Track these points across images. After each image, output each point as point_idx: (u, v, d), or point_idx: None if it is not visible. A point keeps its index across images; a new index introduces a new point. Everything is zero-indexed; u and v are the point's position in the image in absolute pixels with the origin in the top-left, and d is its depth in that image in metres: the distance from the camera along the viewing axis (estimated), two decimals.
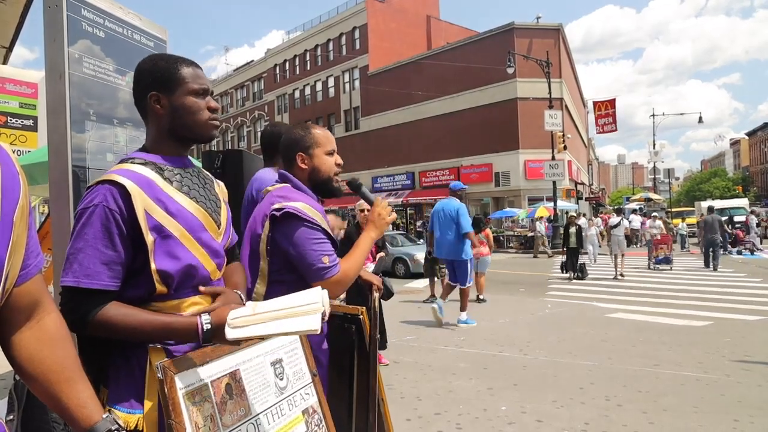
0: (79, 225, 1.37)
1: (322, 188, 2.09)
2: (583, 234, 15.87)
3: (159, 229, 1.41)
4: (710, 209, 17.19)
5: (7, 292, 0.98)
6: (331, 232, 2.00)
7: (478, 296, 10.03)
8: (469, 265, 7.58)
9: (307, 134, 2.09)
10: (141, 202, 1.39)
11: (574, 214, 15.72)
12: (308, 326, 1.31)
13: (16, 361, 1.08)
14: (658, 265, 15.24)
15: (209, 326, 1.35)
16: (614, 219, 14.19)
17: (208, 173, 1.73)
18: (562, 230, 16.59)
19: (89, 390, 1.13)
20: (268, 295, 1.90)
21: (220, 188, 1.73)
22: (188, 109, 1.54)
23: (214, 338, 1.36)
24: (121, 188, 1.38)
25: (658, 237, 15.70)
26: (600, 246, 17.92)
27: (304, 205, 1.92)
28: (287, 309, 1.33)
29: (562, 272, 14.07)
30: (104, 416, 1.12)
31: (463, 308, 7.82)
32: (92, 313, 1.33)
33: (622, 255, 13.53)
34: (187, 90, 1.54)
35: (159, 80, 1.53)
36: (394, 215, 2.17)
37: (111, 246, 1.36)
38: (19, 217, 0.96)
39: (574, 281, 13.25)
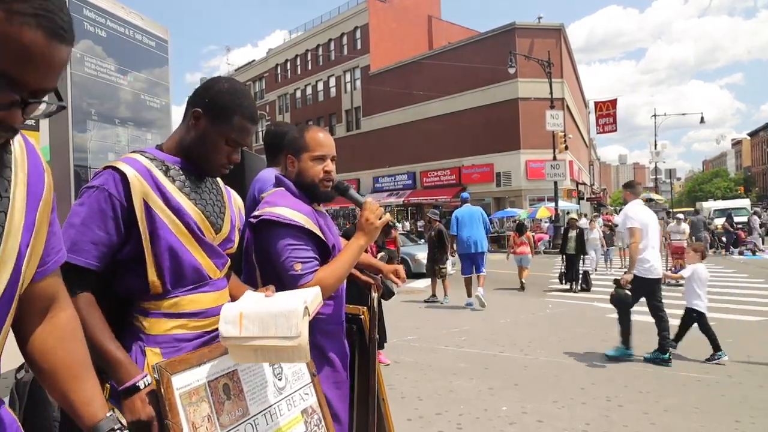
0: (78, 203, 1.41)
1: (308, 192, 2.02)
2: (585, 237, 14.18)
3: (154, 219, 1.43)
4: (696, 211, 19.63)
5: (23, 286, 0.99)
6: (322, 236, 1.94)
7: (521, 283, 12.03)
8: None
9: (300, 137, 2.03)
10: (140, 190, 1.42)
11: (575, 216, 14.23)
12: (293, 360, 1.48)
13: (29, 355, 1.10)
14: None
15: (143, 386, 1.32)
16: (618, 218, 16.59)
17: (219, 181, 1.74)
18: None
19: (96, 388, 1.14)
20: None
21: (234, 200, 1.76)
22: (213, 147, 1.55)
23: (134, 401, 1.31)
24: (123, 175, 1.41)
25: (685, 244, 12.50)
26: (605, 251, 15.50)
27: (286, 209, 1.88)
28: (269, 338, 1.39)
29: (561, 283, 12.21)
30: (108, 414, 1.12)
31: (481, 286, 9.50)
32: (72, 292, 1.32)
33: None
34: (225, 134, 1.55)
35: (213, 107, 1.54)
36: (386, 217, 2.02)
37: (102, 227, 1.39)
38: (42, 211, 0.99)
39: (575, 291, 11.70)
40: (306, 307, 1.42)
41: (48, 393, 1.13)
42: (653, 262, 5.74)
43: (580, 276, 11.74)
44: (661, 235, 6.49)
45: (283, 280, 1.83)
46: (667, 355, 5.67)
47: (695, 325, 5.97)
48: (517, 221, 16.17)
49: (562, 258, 12.26)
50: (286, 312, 1.38)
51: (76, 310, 1.32)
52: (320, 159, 2.00)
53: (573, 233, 11.95)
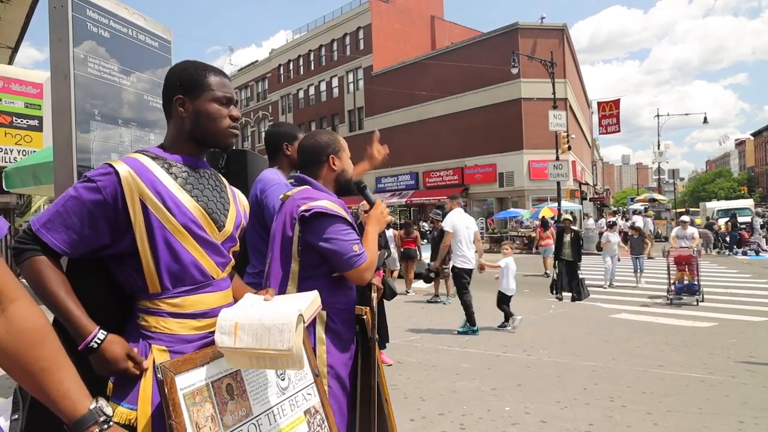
0: (72, 188, 1.45)
1: (344, 187, 2.31)
2: (602, 241, 12.64)
3: (150, 217, 1.45)
4: (686, 211, 20.43)
5: None
6: (354, 224, 2.18)
7: (546, 272, 13.49)
8: None
9: (336, 139, 2.32)
10: (136, 189, 1.43)
11: (569, 217, 11.73)
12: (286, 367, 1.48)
13: None
14: (679, 296, 9.86)
15: (96, 345, 1.36)
16: (610, 219, 16.59)
17: (224, 179, 1.77)
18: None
19: (71, 379, 1.06)
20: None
21: (240, 200, 1.79)
22: (210, 116, 1.59)
23: (96, 361, 1.38)
24: (118, 173, 1.43)
25: (694, 253, 10.00)
26: (619, 260, 12.65)
27: (329, 202, 2.09)
28: (261, 350, 1.40)
29: (552, 292, 10.53)
30: (91, 407, 1.06)
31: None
32: (30, 254, 1.38)
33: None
34: (212, 97, 1.59)
35: (186, 85, 1.59)
36: (390, 217, 2.41)
37: (78, 217, 1.41)
38: None
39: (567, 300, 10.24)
40: (301, 315, 1.43)
41: (27, 391, 1.06)
42: (467, 256, 7.47)
43: (574, 284, 10.11)
44: (477, 235, 7.85)
45: (340, 264, 2.06)
46: (475, 327, 7.34)
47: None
48: (542, 218, 16.88)
49: (555, 265, 10.69)
50: (280, 325, 1.38)
51: (35, 270, 1.36)
52: (350, 158, 2.36)
53: (567, 237, 10.34)
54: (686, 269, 9.86)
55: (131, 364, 1.39)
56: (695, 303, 9.63)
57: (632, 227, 13.76)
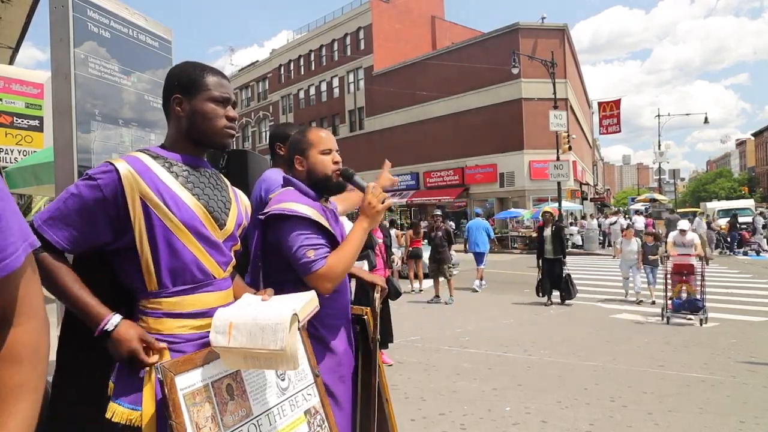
0: (74, 185, 1.46)
1: (322, 186, 2.09)
2: (618, 247, 10.73)
3: (150, 216, 1.45)
4: (671, 210, 21.54)
5: None
6: (330, 229, 2.00)
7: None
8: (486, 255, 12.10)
9: (303, 137, 2.13)
10: (136, 187, 1.44)
11: (550, 210, 10.50)
12: (278, 367, 1.47)
13: None
14: (677, 314, 7.98)
15: (111, 329, 1.39)
16: (612, 219, 17.08)
17: (225, 179, 1.78)
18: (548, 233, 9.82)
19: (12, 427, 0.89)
20: None
21: (241, 199, 1.80)
22: (206, 115, 1.60)
23: (112, 345, 1.39)
24: (118, 172, 1.44)
25: (695, 261, 8.20)
26: (640, 269, 9.81)
27: (295, 203, 1.95)
28: (256, 350, 1.40)
29: (538, 295, 9.78)
30: None
31: (480, 278, 12.01)
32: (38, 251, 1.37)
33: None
34: (208, 96, 1.60)
35: (183, 84, 1.60)
36: (389, 201, 2.08)
37: (79, 215, 1.42)
38: None
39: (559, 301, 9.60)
40: (295, 314, 1.43)
41: None
42: None
43: (562, 283, 9.47)
44: None
45: (296, 268, 1.90)
46: None
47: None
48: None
49: (538, 264, 9.80)
50: (273, 324, 1.39)
51: (44, 265, 1.36)
52: (328, 152, 2.09)
53: (548, 231, 9.46)
54: (686, 280, 8.04)
55: (143, 347, 1.40)
56: (698, 324, 7.72)
57: (648, 233, 10.91)
